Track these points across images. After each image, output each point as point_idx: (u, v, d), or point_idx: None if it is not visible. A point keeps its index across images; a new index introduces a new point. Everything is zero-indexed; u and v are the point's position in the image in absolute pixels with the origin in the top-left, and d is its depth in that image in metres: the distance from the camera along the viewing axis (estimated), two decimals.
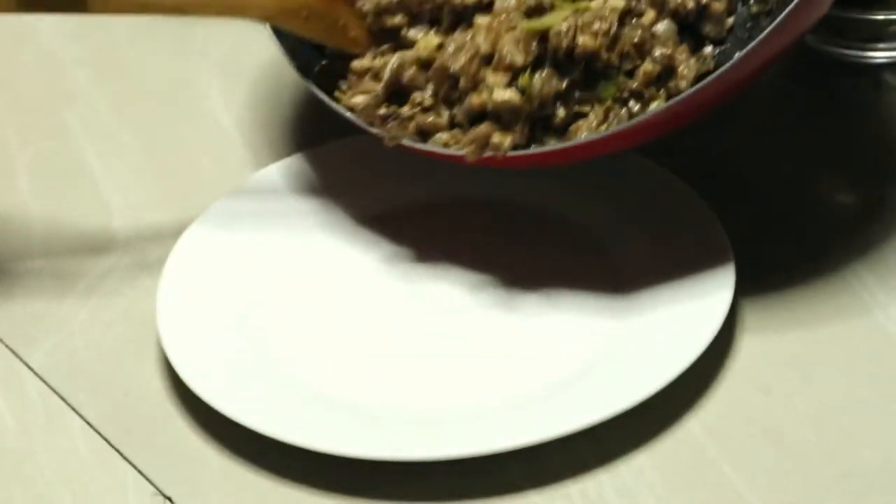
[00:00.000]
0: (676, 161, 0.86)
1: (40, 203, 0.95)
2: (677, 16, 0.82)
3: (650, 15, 0.82)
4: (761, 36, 0.75)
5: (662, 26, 0.82)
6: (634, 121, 0.79)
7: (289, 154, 0.93)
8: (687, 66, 0.81)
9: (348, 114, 0.84)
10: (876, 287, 0.84)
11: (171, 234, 0.89)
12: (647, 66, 0.80)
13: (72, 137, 1.01)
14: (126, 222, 0.93)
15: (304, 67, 0.88)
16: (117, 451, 0.77)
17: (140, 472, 0.76)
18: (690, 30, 0.83)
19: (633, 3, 0.83)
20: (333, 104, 0.85)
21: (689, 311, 0.79)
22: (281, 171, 0.92)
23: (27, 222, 0.94)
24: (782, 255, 0.86)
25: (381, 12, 0.85)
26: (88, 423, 0.79)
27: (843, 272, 0.85)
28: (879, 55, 0.99)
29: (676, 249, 0.84)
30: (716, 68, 0.81)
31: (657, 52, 0.80)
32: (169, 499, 0.75)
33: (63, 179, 0.97)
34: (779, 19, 0.75)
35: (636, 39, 0.80)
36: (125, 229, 0.92)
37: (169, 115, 1.02)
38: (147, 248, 0.90)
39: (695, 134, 0.88)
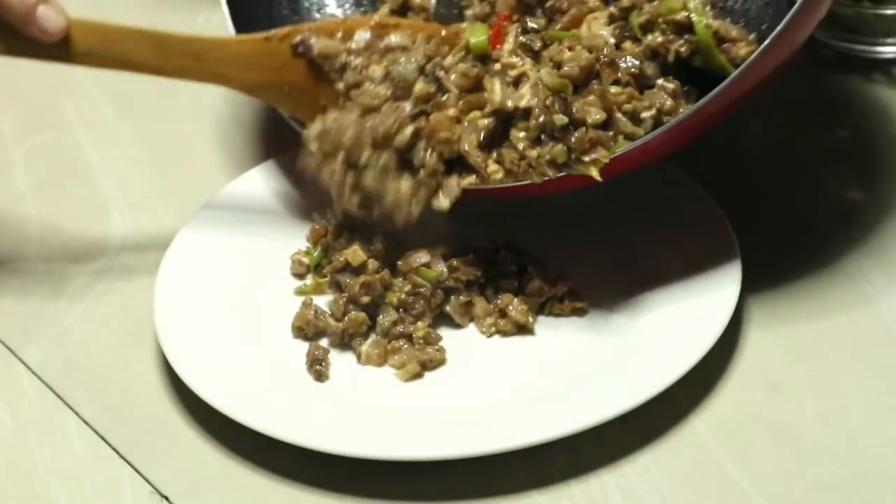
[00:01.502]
0: (682, 156, 0.85)
1: (37, 197, 0.95)
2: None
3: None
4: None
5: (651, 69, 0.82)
6: (650, 136, 0.79)
7: (289, 149, 0.92)
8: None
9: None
10: (885, 285, 0.83)
11: (169, 229, 0.88)
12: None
13: (69, 130, 1.00)
14: (124, 217, 0.92)
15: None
16: (114, 448, 0.77)
17: (137, 470, 0.76)
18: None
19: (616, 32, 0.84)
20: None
21: (695, 309, 0.79)
22: (281, 165, 0.91)
23: (24, 216, 0.93)
24: (790, 252, 0.86)
25: (348, 89, 0.86)
26: (84, 421, 0.78)
27: (851, 269, 0.84)
28: (890, 50, 0.99)
29: (682, 246, 0.83)
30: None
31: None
32: (166, 498, 0.74)
33: (60, 173, 0.97)
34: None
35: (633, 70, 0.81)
36: (123, 224, 0.92)
37: (169, 108, 1.01)
38: (145, 243, 0.90)
39: None
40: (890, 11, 0.96)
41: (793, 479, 0.73)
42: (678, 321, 0.79)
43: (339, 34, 0.86)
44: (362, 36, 0.86)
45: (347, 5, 0.97)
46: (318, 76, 0.86)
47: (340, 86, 0.86)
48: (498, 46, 0.85)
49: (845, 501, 0.72)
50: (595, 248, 0.85)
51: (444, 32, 0.87)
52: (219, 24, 1.00)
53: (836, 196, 0.90)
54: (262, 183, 0.90)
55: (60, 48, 0.80)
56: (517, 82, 0.82)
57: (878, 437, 0.75)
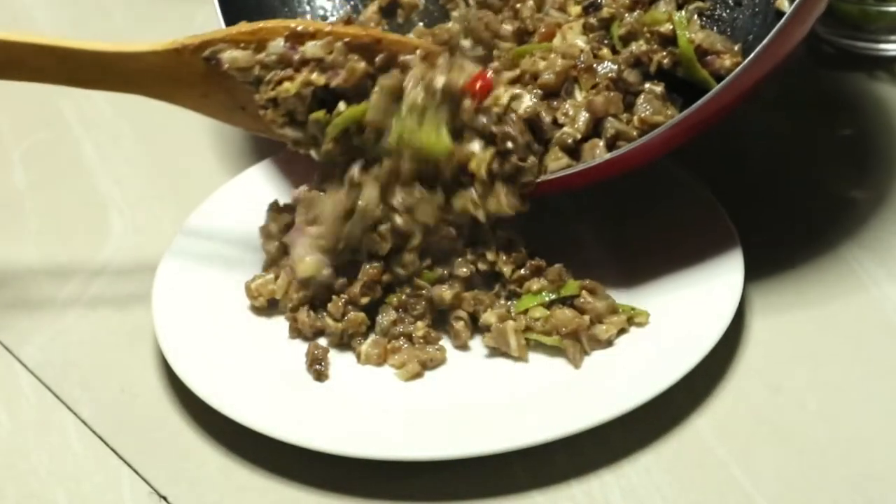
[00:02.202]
0: (684, 154, 0.85)
1: (35, 196, 0.94)
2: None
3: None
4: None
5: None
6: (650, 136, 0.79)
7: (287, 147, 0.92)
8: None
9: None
10: (889, 285, 0.83)
11: (168, 227, 0.88)
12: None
13: (68, 128, 1.00)
14: (123, 215, 0.92)
15: None
16: (112, 449, 0.76)
17: (135, 470, 0.75)
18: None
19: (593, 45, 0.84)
20: None
21: (697, 308, 0.78)
22: (280, 163, 0.91)
23: (22, 215, 0.93)
24: (792, 252, 0.85)
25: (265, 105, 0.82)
26: (82, 421, 0.78)
27: (855, 268, 0.84)
28: (893, 47, 0.98)
29: (684, 246, 0.82)
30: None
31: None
32: (164, 498, 0.74)
33: (59, 172, 0.96)
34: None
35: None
36: (122, 222, 0.91)
37: (167, 106, 1.00)
38: (144, 242, 0.89)
39: None
40: (893, 8, 0.96)
41: (795, 480, 0.72)
42: (680, 320, 0.78)
43: (253, 45, 0.81)
44: (275, 48, 0.80)
45: (338, 1, 0.96)
46: (234, 85, 0.82)
47: (256, 98, 0.82)
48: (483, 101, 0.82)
49: (849, 502, 0.71)
50: (595, 247, 0.85)
51: (364, 38, 0.82)
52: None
53: (838, 194, 0.90)
54: (261, 181, 0.90)
55: None
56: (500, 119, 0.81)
57: (882, 436, 0.74)
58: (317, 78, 0.80)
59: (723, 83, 0.76)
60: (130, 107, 1.01)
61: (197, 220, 0.87)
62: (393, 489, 0.73)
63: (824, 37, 0.99)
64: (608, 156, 0.79)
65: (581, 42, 0.83)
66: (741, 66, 0.76)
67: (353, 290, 0.80)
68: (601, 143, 0.80)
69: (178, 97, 0.83)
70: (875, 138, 0.94)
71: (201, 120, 0.99)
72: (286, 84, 0.80)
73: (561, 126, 0.81)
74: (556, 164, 0.80)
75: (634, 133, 0.80)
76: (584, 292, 0.80)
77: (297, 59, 0.81)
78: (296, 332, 0.81)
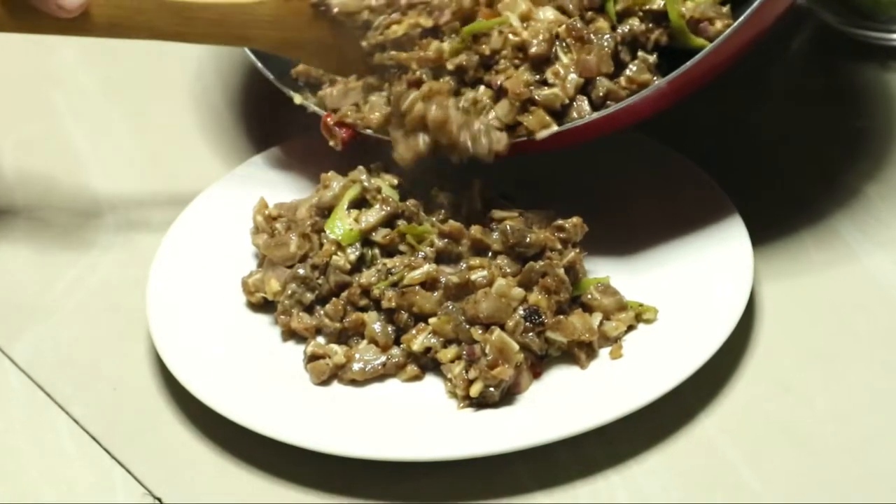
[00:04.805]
0: (693, 149, 0.85)
1: (26, 189, 0.93)
2: None
3: None
4: None
5: None
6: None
7: (285, 140, 0.91)
8: None
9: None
10: None
11: (162, 222, 0.87)
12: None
13: (59, 120, 0.99)
14: (115, 210, 0.91)
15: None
16: (105, 449, 0.76)
17: (129, 471, 0.74)
18: None
19: None
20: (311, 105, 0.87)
21: (706, 306, 0.78)
22: (276, 157, 0.90)
23: (12, 209, 0.92)
24: (803, 248, 0.85)
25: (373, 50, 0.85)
26: (75, 420, 0.77)
27: (866, 264, 0.83)
28: None
29: (693, 242, 0.82)
30: None
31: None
32: (159, 499, 0.73)
33: (49, 164, 0.95)
34: None
35: None
36: (114, 217, 0.90)
37: (161, 99, 1.00)
38: (137, 237, 0.88)
39: (713, 117, 0.88)
40: None
41: (805, 480, 0.72)
42: (688, 319, 0.77)
43: None
44: None
45: None
46: (342, 31, 0.85)
47: (364, 44, 0.84)
48: None
49: (858, 502, 0.71)
50: (603, 246, 0.83)
51: None
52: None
53: (851, 188, 0.89)
54: (256, 175, 0.89)
55: (80, 22, 0.80)
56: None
57: (892, 435, 0.74)
58: (424, 20, 0.83)
59: (710, 46, 0.78)
60: (123, 99, 1.01)
61: (192, 215, 0.86)
62: (393, 489, 0.72)
63: (836, 27, 0.99)
64: (597, 115, 0.80)
65: (552, 14, 0.83)
66: (730, 28, 0.78)
67: (352, 290, 0.79)
68: (586, 104, 0.81)
69: (287, 47, 0.86)
70: (888, 130, 0.93)
71: (197, 113, 0.99)
72: (394, 27, 0.83)
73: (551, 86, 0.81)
74: (545, 132, 0.80)
75: (623, 93, 0.80)
76: (591, 289, 0.79)
77: (404, 2, 0.83)
78: (289, 334, 0.80)
